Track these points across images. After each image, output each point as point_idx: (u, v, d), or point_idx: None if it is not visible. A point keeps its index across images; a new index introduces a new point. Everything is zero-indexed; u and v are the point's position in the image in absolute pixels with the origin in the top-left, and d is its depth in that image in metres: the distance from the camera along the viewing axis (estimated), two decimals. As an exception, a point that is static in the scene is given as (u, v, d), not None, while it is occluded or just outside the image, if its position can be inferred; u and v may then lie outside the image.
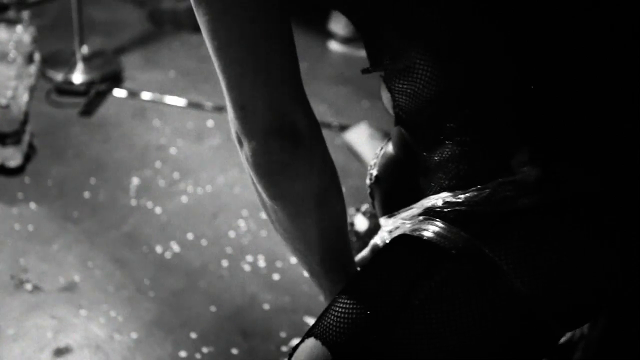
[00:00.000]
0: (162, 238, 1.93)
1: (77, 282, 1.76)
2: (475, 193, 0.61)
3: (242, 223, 2.01)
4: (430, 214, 0.65)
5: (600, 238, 0.61)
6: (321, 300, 0.83)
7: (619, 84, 0.62)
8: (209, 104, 2.52)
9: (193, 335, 1.64)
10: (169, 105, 2.52)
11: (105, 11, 3.12)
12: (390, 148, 0.76)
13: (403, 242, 0.67)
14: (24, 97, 2.25)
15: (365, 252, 0.86)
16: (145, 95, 2.56)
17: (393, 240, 0.69)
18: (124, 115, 2.46)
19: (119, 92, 2.56)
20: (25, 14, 2.81)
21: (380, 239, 0.81)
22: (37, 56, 2.54)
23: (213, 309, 1.72)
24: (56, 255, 1.83)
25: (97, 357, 1.57)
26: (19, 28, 2.47)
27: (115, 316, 1.67)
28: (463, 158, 0.63)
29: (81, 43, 2.58)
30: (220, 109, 2.50)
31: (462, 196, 0.62)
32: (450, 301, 0.60)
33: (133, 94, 2.56)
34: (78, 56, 2.58)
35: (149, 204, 2.05)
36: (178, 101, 2.53)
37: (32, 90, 2.42)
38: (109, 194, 2.08)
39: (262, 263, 1.88)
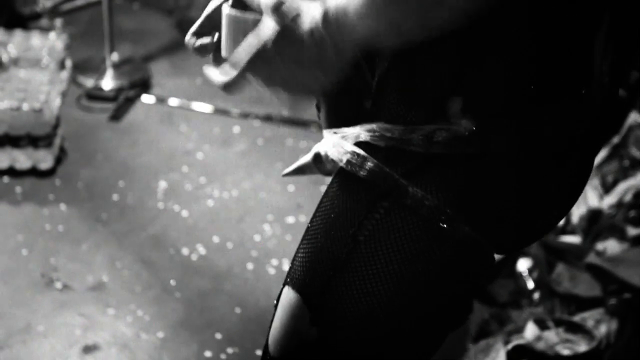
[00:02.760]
0: (188, 240, 1.96)
1: (106, 281, 1.79)
2: (411, 131, 0.65)
3: (267, 227, 2.03)
4: (365, 145, 0.68)
5: (527, 177, 0.66)
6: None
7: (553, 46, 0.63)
8: (235, 111, 2.55)
9: (218, 335, 1.66)
10: (195, 111, 2.56)
11: (134, 20, 3.18)
12: None
13: (343, 180, 0.71)
14: (56, 102, 2.30)
15: (307, 158, 0.85)
16: (173, 102, 2.60)
17: (334, 179, 0.73)
18: (151, 120, 2.50)
19: (147, 98, 2.61)
20: (58, 22, 2.89)
21: (322, 149, 0.81)
22: (68, 62, 2.60)
23: (238, 310, 1.74)
24: (85, 255, 1.87)
25: (124, 355, 1.60)
26: (52, 35, 2.54)
27: (142, 315, 1.70)
28: (404, 95, 0.66)
29: (111, 50, 2.63)
30: (247, 115, 2.53)
31: (397, 131, 0.66)
32: (391, 235, 0.65)
33: (161, 100, 2.61)
34: (108, 63, 2.63)
35: (176, 207, 2.08)
36: (205, 107, 2.57)
37: (64, 95, 2.48)
38: (136, 196, 2.12)
39: (287, 267, 1.90)
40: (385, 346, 0.71)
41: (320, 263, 0.70)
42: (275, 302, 0.76)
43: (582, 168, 0.70)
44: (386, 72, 0.67)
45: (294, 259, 0.74)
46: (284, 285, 0.74)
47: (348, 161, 0.69)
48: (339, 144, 0.71)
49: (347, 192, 0.70)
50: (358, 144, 0.69)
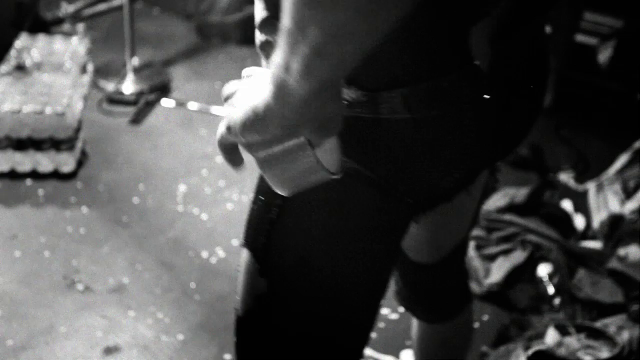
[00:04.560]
0: (208, 244, 1.97)
1: (126, 284, 1.81)
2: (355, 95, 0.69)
3: (286, 231, 2.03)
4: None
5: (421, 137, 0.71)
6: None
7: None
8: (254, 115, 2.56)
9: (237, 338, 1.67)
10: (215, 115, 2.57)
11: (155, 25, 3.21)
12: None
13: None
14: (79, 106, 2.33)
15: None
16: (193, 106, 2.62)
17: None
18: (171, 124, 2.52)
19: (167, 103, 2.63)
20: (80, 27, 2.92)
21: None
22: (90, 67, 2.63)
23: (257, 313, 1.75)
24: (106, 258, 1.89)
25: (145, 357, 1.61)
26: (75, 40, 2.57)
27: (162, 318, 1.71)
28: None
29: (132, 55, 2.66)
30: (265, 119, 2.54)
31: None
32: (320, 188, 0.69)
33: (181, 104, 2.63)
34: (129, 67, 2.66)
35: (196, 211, 2.10)
36: (224, 111, 2.58)
37: (86, 99, 2.51)
38: (157, 200, 2.13)
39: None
40: (323, 293, 0.78)
41: (261, 220, 0.78)
42: (238, 268, 0.83)
43: (480, 125, 0.73)
44: None
45: (245, 223, 0.82)
46: (242, 248, 0.82)
47: None
48: None
49: None
50: None
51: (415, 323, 1.27)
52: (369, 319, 0.83)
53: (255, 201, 0.80)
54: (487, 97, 0.70)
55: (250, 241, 0.80)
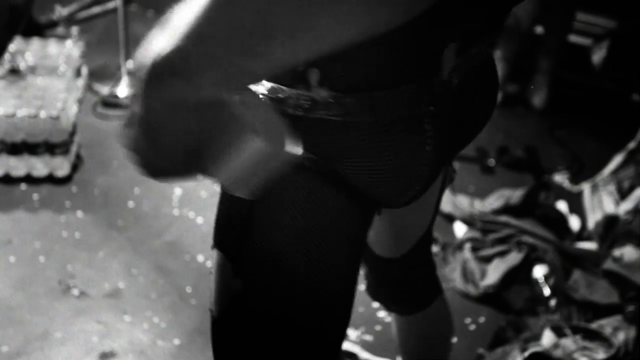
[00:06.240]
0: (203, 247, 1.96)
1: (122, 288, 1.80)
2: (278, 91, 0.70)
3: (281, 234, 2.03)
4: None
5: (384, 140, 0.73)
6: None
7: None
8: (249, 117, 2.56)
9: (234, 342, 1.67)
10: (210, 118, 2.57)
11: (149, 27, 3.17)
12: None
13: None
14: (73, 109, 2.32)
15: None
16: (188, 109, 2.61)
17: None
18: (166, 127, 2.52)
19: (162, 105, 2.62)
20: (74, 30, 2.91)
21: None
22: (84, 70, 2.62)
23: (253, 317, 1.75)
24: (102, 262, 1.88)
25: (141, 361, 1.61)
26: (69, 43, 2.56)
27: (158, 322, 1.71)
28: None
29: (126, 58, 2.65)
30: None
31: (265, 89, 0.71)
32: (280, 186, 0.70)
33: (176, 107, 2.62)
34: (123, 70, 2.65)
35: (191, 214, 2.09)
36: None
37: (80, 103, 2.50)
38: (152, 203, 2.13)
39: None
40: (295, 288, 0.79)
41: (230, 220, 0.78)
42: (210, 270, 0.83)
43: (439, 132, 0.76)
44: None
45: (214, 224, 0.82)
46: (212, 250, 0.82)
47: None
48: None
49: None
50: None
51: (393, 318, 1.30)
52: (345, 314, 0.85)
53: (223, 201, 0.80)
54: (447, 104, 0.74)
55: (221, 241, 0.80)
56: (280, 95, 0.71)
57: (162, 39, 0.52)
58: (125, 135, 0.56)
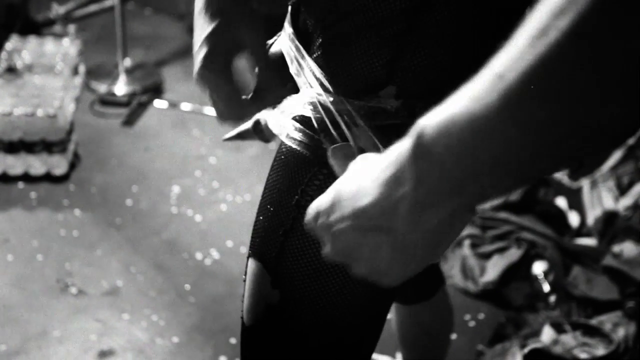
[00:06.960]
0: (202, 245, 1.96)
1: (120, 286, 1.80)
2: (341, 103, 0.69)
3: (280, 231, 2.03)
4: (301, 118, 0.73)
5: None
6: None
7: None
8: (247, 115, 2.56)
9: (233, 340, 1.66)
10: (208, 115, 2.56)
11: (146, 25, 3.20)
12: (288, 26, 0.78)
13: (285, 153, 0.76)
14: (70, 108, 2.31)
15: (248, 124, 0.90)
16: (185, 106, 2.61)
17: (278, 152, 0.78)
18: (164, 125, 2.51)
19: (159, 103, 2.62)
20: (71, 28, 2.91)
21: (262, 117, 0.87)
22: (81, 68, 2.61)
23: (252, 315, 1.74)
24: (100, 261, 1.88)
25: (140, 360, 1.60)
26: (66, 41, 2.55)
27: (156, 320, 1.70)
28: (336, 79, 0.70)
29: (124, 56, 2.64)
30: (259, 119, 2.53)
31: (329, 99, 0.70)
32: None
33: (173, 105, 2.61)
34: (120, 68, 2.65)
35: (189, 212, 2.09)
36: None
37: (77, 101, 2.49)
38: (150, 201, 2.12)
39: (300, 270, 1.89)
40: (337, 304, 0.76)
41: (272, 230, 0.76)
42: (243, 277, 0.82)
43: None
44: (319, 56, 0.71)
45: (252, 233, 0.81)
46: (247, 259, 0.81)
47: (287, 135, 0.75)
48: (278, 117, 0.76)
49: (289, 164, 0.76)
50: (295, 117, 0.74)
51: (394, 311, 1.30)
52: (380, 327, 0.83)
53: (263, 211, 0.78)
54: None
55: (260, 252, 0.78)
56: (335, 106, 0.70)
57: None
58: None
